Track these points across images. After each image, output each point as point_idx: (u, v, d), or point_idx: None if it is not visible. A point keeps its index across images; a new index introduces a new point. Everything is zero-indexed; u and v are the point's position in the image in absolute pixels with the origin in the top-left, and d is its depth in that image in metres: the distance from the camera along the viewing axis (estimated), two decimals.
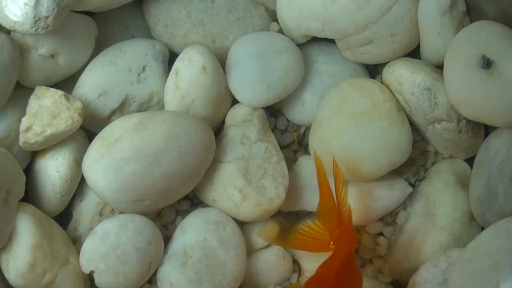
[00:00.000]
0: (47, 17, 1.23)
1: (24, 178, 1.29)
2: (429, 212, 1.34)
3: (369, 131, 1.29)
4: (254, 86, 1.33)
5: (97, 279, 1.26)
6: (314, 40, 1.39)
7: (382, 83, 1.35)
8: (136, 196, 1.25)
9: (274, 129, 1.39)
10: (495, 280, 1.14)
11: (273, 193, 1.31)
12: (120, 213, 1.30)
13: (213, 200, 1.32)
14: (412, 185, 1.36)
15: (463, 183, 1.35)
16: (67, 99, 1.28)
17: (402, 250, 1.34)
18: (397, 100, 1.32)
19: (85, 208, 1.34)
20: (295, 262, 1.37)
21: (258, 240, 1.34)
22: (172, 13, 1.38)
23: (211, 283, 1.27)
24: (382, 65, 1.37)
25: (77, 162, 1.30)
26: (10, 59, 1.25)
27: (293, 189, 1.35)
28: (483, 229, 1.28)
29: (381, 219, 1.36)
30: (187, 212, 1.34)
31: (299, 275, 1.37)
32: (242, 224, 1.33)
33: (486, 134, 1.34)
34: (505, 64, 1.23)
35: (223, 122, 1.37)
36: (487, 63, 1.24)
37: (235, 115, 1.35)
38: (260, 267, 1.34)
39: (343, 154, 1.30)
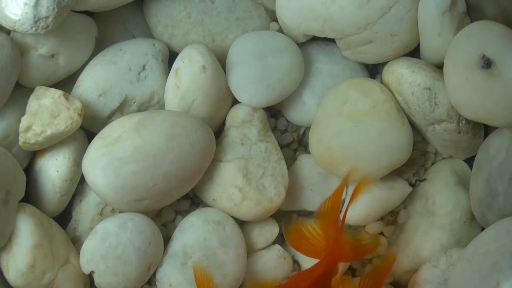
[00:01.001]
0: (47, 17, 1.23)
1: (24, 178, 1.29)
2: (429, 212, 1.34)
3: (369, 131, 1.29)
4: (254, 86, 1.33)
5: (97, 279, 1.26)
6: (314, 39, 1.39)
7: (382, 83, 1.35)
8: (136, 195, 1.25)
9: (274, 129, 1.39)
10: (495, 280, 1.14)
11: (273, 192, 1.31)
12: (120, 212, 1.30)
13: (213, 199, 1.32)
14: (412, 185, 1.36)
15: (463, 183, 1.35)
16: (67, 99, 1.28)
17: (402, 250, 1.34)
18: (397, 101, 1.32)
19: (85, 208, 1.33)
20: (295, 262, 1.37)
21: (258, 240, 1.34)
22: (172, 13, 1.38)
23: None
24: (382, 65, 1.37)
25: (77, 162, 1.30)
26: (10, 59, 1.25)
27: (293, 189, 1.35)
28: (483, 229, 1.28)
29: (381, 219, 1.36)
30: (187, 212, 1.34)
31: None
32: (242, 224, 1.33)
33: (486, 134, 1.34)
34: (505, 64, 1.23)
35: (223, 122, 1.37)
36: (487, 63, 1.24)
37: (235, 116, 1.35)
38: (260, 267, 1.33)
39: (343, 154, 1.30)
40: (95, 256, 1.25)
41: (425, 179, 1.37)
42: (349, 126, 1.30)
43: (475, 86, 1.25)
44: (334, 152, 1.30)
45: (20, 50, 1.28)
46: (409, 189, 1.35)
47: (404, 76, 1.31)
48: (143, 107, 1.35)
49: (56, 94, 1.28)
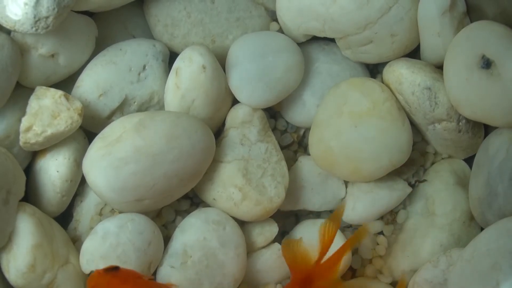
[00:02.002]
0: (47, 17, 1.23)
1: (24, 178, 1.29)
2: (428, 212, 1.34)
3: (369, 131, 1.29)
4: (254, 86, 1.33)
5: None
6: (314, 39, 1.39)
7: (382, 82, 1.35)
8: (136, 196, 1.25)
9: (273, 130, 1.39)
10: (495, 280, 1.14)
11: (273, 192, 1.31)
12: (120, 212, 1.30)
13: (214, 199, 1.32)
14: (411, 185, 1.36)
15: (463, 183, 1.35)
16: (67, 99, 1.28)
17: (401, 250, 1.34)
18: (397, 100, 1.32)
19: (86, 208, 1.34)
20: None
21: (258, 239, 1.34)
22: (172, 13, 1.38)
23: (211, 283, 1.27)
24: (382, 64, 1.37)
25: (77, 162, 1.30)
26: (10, 59, 1.25)
27: (293, 189, 1.35)
28: (482, 229, 1.28)
29: (380, 218, 1.36)
30: (187, 212, 1.34)
31: None
32: (242, 224, 1.33)
33: (486, 134, 1.34)
34: (505, 64, 1.23)
35: (223, 123, 1.37)
36: (487, 63, 1.24)
37: (235, 116, 1.35)
38: (260, 267, 1.34)
39: (343, 154, 1.30)
40: (95, 256, 1.25)
41: (424, 180, 1.37)
42: (349, 126, 1.30)
43: (475, 86, 1.25)
44: (334, 152, 1.30)
45: (21, 50, 1.28)
46: (409, 189, 1.35)
47: (404, 76, 1.31)
48: (143, 107, 1.35)
49: (56, 94, 1.28)
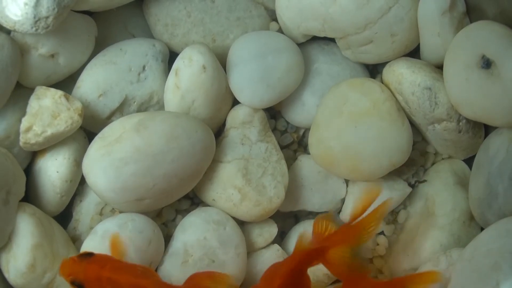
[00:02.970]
0: (47, 17, 1.23)
1: (24, 178, 1.29)
2: (428, 212, 1.34)
3: (369, 131, 1.29)
4: (254, 86, 1.33)
5: None
6: (314, 39, 1.39)
7: (382, 83, 1.35)
8: (136, 195, 1.25)
9: (273, 130, 1.39)
10: (495, 280, 1.14)
11: (272, 192, 1.31)
12: (120, 212, 1.30)
13: (213, 200, 1.32)
14: (411, 186, 1.36)
15: (462, 183, 1.35)
16: (67, 99, 1.28)
17: (402, 250, 1.34)
18: (397, 100, 1.32)
19: (85, 208, 1.34)
20: None
21: (257, 240, 1.34)
22: (172, 12, 1.38)
23: None
24: (382, 64, 1.37)
25: (77, 163, 1.30)
26: (10, 59, 1.26)
27: (293, 188, 1.35)
28: (482, 229, 1.28)
29: None
30: (187, 212, 1.34)
31: None
32: (242, 224, 1.33)
33: (486, 134, 1.34)
34: (505, 64, 1.23)
35: (224, 123, 1.37)
36: (487, 63, 1.24)
37: (235, 116, 1.35)
38: (260, 267, 1.33)
39: (343, 154, 1.30)
40: None
41: (424, 181, 1.37)
42: (349, 126, 1.30)
43: (475, 86, 1.25)
44: (334, 152, 1.30)
45: (21, 50, 1.28)
46: (409, 189, 1.35)
47: (404, 76, 1.31)
48: (143, 107, 1.35)
49: (56, 94, 1.28)
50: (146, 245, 1.26)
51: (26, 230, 1.24)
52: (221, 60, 1.34)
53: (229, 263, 1.29)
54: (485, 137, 1.34)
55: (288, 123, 1.40)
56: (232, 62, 1.34)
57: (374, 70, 1.42)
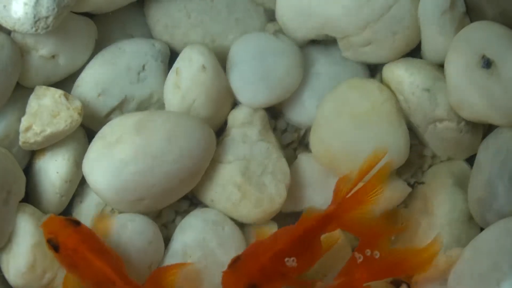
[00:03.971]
0: (47, 17, 1.23)
1: (24, 179, 1.29)
2: (428, 212, 1.34)
3: (368, 131, 1.29)
4: (254, 86, 1.33)
5: None
6: (314, 40, 1.39)
7: (382, 83, 1.35)
8: (136, 196, 1.25)
9: (274, 130, 1.39)
10: (495, 280, 1.14)
11: (273, 191, 1.30)
12: (120, 213, 1.30)
13: (212, 200, 1.31)
14: (410, 186, 1.36)
15: (461, 184, 1.35)
16: (67, 98, 1.28)
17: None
18: (396, 101, 1.32)
19: (85, 209, 1.33)
20: None
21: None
22: (171, 12, 1.38)
23: (211, 283, 1.27)
24: (383, 65, 1.36)
25: (77, 163, 1.30)
26: (10, 60, 1.26)
27: (293, 188, 1.35)
28: (482, 229, 1.28)
29: None
30: (186, 212, 1.33)
31: None
32: (241, 226, 1.33)
33: (486, 134, 1.34)
34: (505, 64, 1.23)
35: (224, 123, 1.37)
36: (487, 63, 1.24)
37: (236, 116, 1.35)
38: None
39: (343, 155, 1.30)
40: None
41: (422, 182, 1.37)
42: (349, 127, 1.30)
43: (475, 86, 1.25)
44: (334, 153, 1.30)
45: (21, 51, 1.29)
46: (408, 189, 1.34)
47: (404, 76, 1.31)
48: (142, 106, 1.35)
49: (56, 94, 1.28)
50: (146, 245, 1.26)
51: (26, 230, 1.24)
52: (221, 60, 1.34)
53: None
54: (485, 137, 1.33)
55: (288, 123, 1.40)
56: (232, 62, 1.34)
57: (374, 71, 1.42)
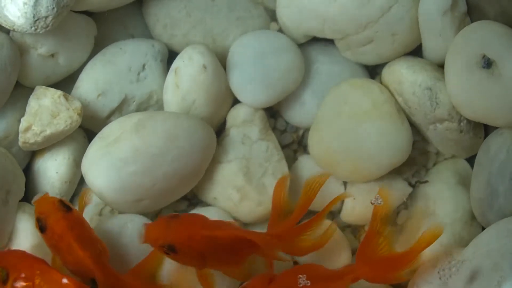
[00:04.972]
0: (46, 17, 1.23)
1: (23, 179, 1.29)
2: (429, 211, 1.34)
3: (369, 131, 1.29)
4: (254, 86, 1.33)
5: None
6: (314, 40, 1.39)
7: (381, 83, 1.35)
8: (136, 196, 1.25)
9: (273, 129, 1.39)
10: (495, 280, 1.14)
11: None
12: (120, 213, 1.30)
13: (214, 198, 1.31)
14: (412, 185, 1.36)
15: (464, 183, 1.35)
16: (67, 99, 1.28)
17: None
18: (396, 101, 1.32)
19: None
20: (296, 263, 1.37)
21: None
22: (171, 12, 1.38)
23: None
24: (382, 65, 1.37)
25: (77, 163, 1.30)
26: (9, 59, 1.26)
27: (292, 189, 1.34)
28: (483, 229, 1.28)
29: None
30: (185, 212, 1.33)
31: None
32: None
33: (487, 134, 1.34)
34: (505, 64, 1.23)
35: (224, 122, 1.37)
36: (487, 63, 1.24)
37: (236, 116, 1.35)
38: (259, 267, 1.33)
39: (343, 155, 1.30)
40: None
41: (426, 181, 1.36)
42: (349, 127, 1.30)
43: (476, 86, 1.25)
44: (334, 152, 1.30)
45: (20, 50, 1.28)
46: (409, 189, 1.34)
47: (405, 76, 1.31)
48: (142, 107, 1.35)
49: (56, 94, 1.28)
50: (146, 246, 1.26)
51: (26, 230, 1.24)
52: (221, 60, 1.34)
53: None
54: (485, 137, 1.33)
55: (287, 123, 1.40)
56: (232, 62, 1.34)
57: (374, 71, 1.41)
